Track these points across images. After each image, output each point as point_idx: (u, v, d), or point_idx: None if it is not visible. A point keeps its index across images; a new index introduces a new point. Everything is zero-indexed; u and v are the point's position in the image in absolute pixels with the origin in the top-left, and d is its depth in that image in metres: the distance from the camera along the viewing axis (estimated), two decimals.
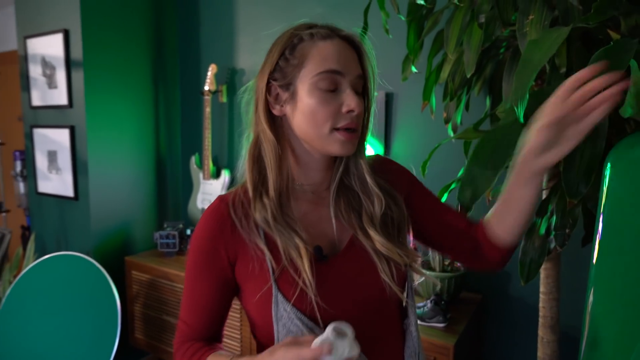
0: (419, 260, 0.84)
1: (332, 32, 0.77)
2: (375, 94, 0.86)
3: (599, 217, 0.77)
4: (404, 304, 0.84)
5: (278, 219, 0.77)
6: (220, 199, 0.82)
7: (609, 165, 0.76)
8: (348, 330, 0.67)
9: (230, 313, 0.90)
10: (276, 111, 0.80)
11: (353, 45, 0.79)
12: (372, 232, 0.80)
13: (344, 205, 0.83)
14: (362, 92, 0.81)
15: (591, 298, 0.79)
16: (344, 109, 0.75)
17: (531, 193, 0.79)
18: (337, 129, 0.76)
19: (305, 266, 0.73)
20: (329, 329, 0.67)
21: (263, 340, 0.81)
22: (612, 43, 0.81)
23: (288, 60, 0.76)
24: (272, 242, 0.77)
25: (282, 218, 0.77)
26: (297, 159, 0.83)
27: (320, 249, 0.78)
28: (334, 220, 0.82)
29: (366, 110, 0.83)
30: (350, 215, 0.82)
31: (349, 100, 0.75)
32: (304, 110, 0.76)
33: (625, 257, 0.72)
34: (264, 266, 0.76)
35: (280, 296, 0.75)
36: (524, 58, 0.89)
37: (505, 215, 0.84)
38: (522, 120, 0.87)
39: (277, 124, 0.81)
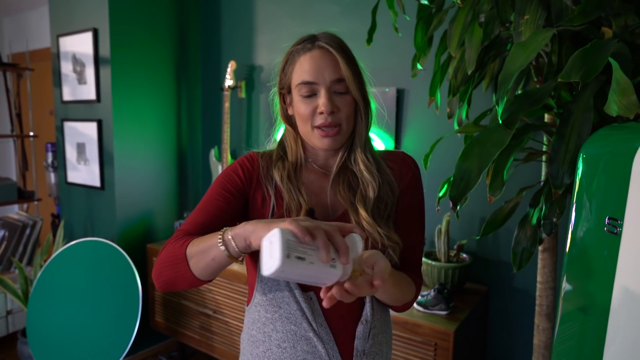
0: (397, 248, 0.92)
1: (313, 45, 0.92)
2: (370, 91, 0.96)
3: (572, 207, 0.83)
4: None
5: (291, 178, 0.95)
6: (254, 152, 1.02)
7: (581, 157, 0.82)
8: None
9: None
10: (290, 111, 0.99)
11: (332, 53, 0.91)
12: (361, 210, 0.92)
13: (343, 184, 0.96)
14: (349, 91, 0.92)
15: (564, 285, 0.86)
16: (318, 110, 0.91)
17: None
18: (317, 127, 0.92)
19: None
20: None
21: (249, 263, 0.98)
22: (589, 44, 0.87)
23: (285, 73, 0.96)
24: (280, 194, 0.94)
25: (294, 179, 0.95)
26: (307, 145, 1.00)
27: (313, 211, 0.93)
28: (328, 193, 0.96)
29: (357, 107, 0.94)
30: (347, 193, 0.95)
31: (320, 103, 0.90)
32: (296, 111, 0.95)
33: (590, 245, 0.78)
34: (268, 207, 0.94)
35: None
36: (509, 60, 0.96)
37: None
38: (500, 120, 0.93)
39: (294, 120, 0.98)
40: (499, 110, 0.90)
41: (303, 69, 0.91)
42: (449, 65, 1.62)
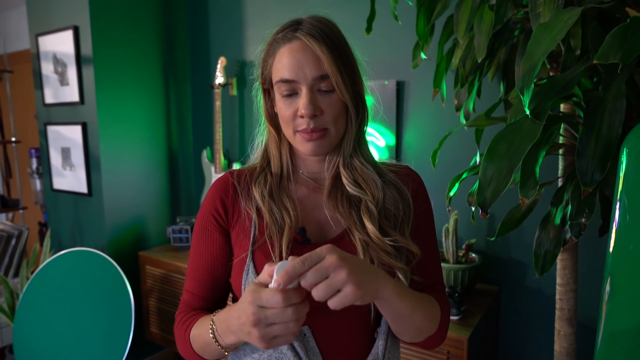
0: (413, 260, 0.79)
1: (293, 35, 0.77)
2: (367, 86, 0.83)
3: (615, 204, 0.73)
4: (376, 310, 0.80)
5: (274, 195, 0.83)
6: (230, 172, 0.89)
7: (625, 150, 0.71)
8: None
9: None
10: (275, 108, 0.84)
11: (313, 46, 0.75)
12: (367, 223, 0.78)
13: (342, 197, 0.83)
14: (335, 89, 0.77)
15: (607, 288, 0.75)
16: (298, 114, 0.77)
17: (387, 311, 0.72)
18: (299, 132, 0.79)
19: (283, 243, 0.76)
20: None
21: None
22: (628, 20, 0.77)
23: (266, 66, 0.82)
24: (263, 216, 0.81)
25: (278, 195, 0.83)
26: (294, 149, 0.86)
27: (304, 231, 0.79)
28: (325, 210, 0.83)
29: (347, 107, 0.80)
30: (348, 207, 0.81)
31: (300, 105, 0.76)
32: (278, 111, 0.81)
33: None
34: (249, 236, 0.81)
35: (252, 266, 0.79)
36: (532, 43, 0.85)
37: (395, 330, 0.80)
38: (527, 110, 0.82)
39: (278, 120, 0.85)
40: (525, 100, 0.79)
41: (282, 64, 0.77)
42: (453, 54, 1.51)
